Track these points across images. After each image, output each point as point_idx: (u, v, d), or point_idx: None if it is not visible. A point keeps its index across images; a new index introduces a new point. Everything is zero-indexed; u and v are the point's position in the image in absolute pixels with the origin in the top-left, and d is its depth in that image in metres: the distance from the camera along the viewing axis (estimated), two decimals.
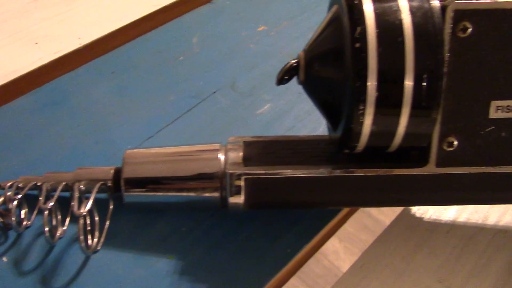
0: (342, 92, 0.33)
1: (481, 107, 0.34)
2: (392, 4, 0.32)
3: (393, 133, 0.33)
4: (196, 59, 0.56)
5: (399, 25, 0.31)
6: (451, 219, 0.44)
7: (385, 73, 0.31)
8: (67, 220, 0.39)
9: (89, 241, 0.38)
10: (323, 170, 0.36)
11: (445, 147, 0.34)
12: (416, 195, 0.37)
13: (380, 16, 0.31)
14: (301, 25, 0.61)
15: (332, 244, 0.42)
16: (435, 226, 0.43)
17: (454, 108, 0.34)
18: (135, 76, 0.53)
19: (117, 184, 0.39)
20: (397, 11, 0.32)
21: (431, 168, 0.35)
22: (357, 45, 0.31)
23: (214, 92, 0.52)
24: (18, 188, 0.39)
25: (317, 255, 0.42)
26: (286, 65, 0.36)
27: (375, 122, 0.32)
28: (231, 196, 0.36)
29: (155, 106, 0.50)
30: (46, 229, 0.37)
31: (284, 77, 0.36)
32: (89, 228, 0.38)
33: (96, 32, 0.57)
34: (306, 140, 0.40)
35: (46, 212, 0.37)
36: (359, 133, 0.33)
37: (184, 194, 0.38)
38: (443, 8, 0.32)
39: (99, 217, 0.39)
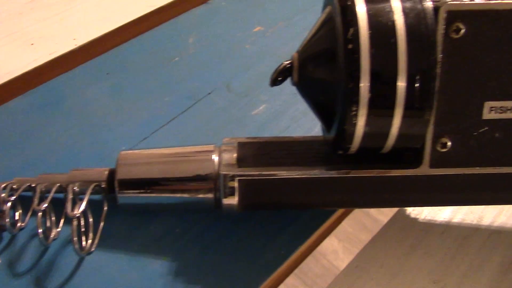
0: (335, 93, 0.33)
1: (474, 108, 0.34)
2: (385, 5, 0.32)
3: (386, 134, 0.33)
4: (191, 59, 0.56)
5: (391, 26, 0.31)
6: (446, 219, 0.44)
7: (378, 74, 0.31)
8: (61, 221, 0.39)
9: (83, 243, 0.38)
10: (317, 171, 0.36)
11: (438, 148, 0.34)
12: (410, 196, 0.37)
13: (372, 17, 0.31)
14: (297, 26, 0.61)
15: (331, 243, 0.42)
16: (430, 226, 0.43)
17: (447, 109, 0.34)
18: (130, 77, 0.53)
19: (111, 185, 0.38)
20: (390, 12, 0.32)
21: (424, 169, 0.35)
22: (350, 46, 0.31)
23: (210, 93, 0.52)
24: (12, 189, 0.39)
25: (316, 254, 0.42)
26: (279, 66, 0.36)
27: (368, 123, 0.32)
28: (225, 197, 0.36)
29: (151, 107, 0.50)
30: (40, 230, 0.37)
31: (277, 78, 0.36)
32: (83, 229, 0.38)
33: (92, 33, 0.57)
34: (301, 141, 0.40)
35: (40, 213, 0.37)
36: (352, 135, 0.33)
37: (178, 195, 0.38)
38: (436, 9, 0.32)
39: (93, 219, 0.39)
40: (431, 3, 0.32)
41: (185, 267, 0.38)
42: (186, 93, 0.52)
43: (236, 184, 0.36)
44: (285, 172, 0.36)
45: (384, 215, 0.44)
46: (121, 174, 0.38)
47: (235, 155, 0.38)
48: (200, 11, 0.63)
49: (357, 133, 0.33)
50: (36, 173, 0.41)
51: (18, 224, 0.39)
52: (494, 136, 0.34)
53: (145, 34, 0.59)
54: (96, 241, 0.38)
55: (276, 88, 0.38)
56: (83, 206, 0.37)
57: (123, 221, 0.40)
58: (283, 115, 0.50)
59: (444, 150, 0.34)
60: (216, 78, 0.54)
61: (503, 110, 0.34)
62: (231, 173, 0.36)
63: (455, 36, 0.32)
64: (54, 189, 0.39)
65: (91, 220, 0.39)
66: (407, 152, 0.36)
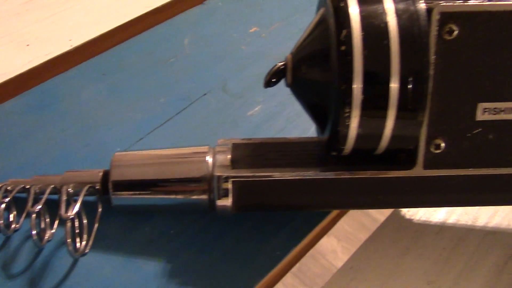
0: (329, 95, 0.33)
1: (468, 109, 0.34)
2: (378, 7, 0.32)
3: (379, 136, 0.33)
4: (187, 60, 0.56)
5: (384, 28, 0.31)
6: (441, 220, 0.44)
7: (371, 76, 0.31)
8: (56, 223, 0.39)
9: (77, 244, 0.38)
10: (311, 173, 0.36)
11: (432, 149, 0.34)
12: (405, 197, 0.37)
13: (365, 19, 0.31)
14: (293, 26, 0.61)
15: (330, 243, 0.42)
16: (425, 227, 0.43)
17: (441, 110, 0.34)
18: (125, 78, 0.53)
19: (106, 187, 0.39)
20: (383, 13, 0.32)
21: (418, 171, 0.35)
22: (343, 48, 0.31)
23: (205, 94, 0.52)
24: (6, 191, 0.39)
25: (315, 254, 0.42)
26: (273, 67, 0.36)
27: (361, 124, 0.32)
28: (219, 199, 0.36)
29: (146, 108, 0.50)
30: (34, 232, 0.37)
31: (271, 79, 0.36)
32: (77, 231, 0.38)
33: (88, 34, 0.57)
34: (295, 142, 0.40)
35: (34, 215, 0.37)
36: (345, 136, 0.33)
37: (172, 196, 0.38)
38: (429, 11, 0.32)
39: (88, 220, 0.39)
40: (424, 4, 0.32)
41: (179, 269, 0.38)
42: (181, 94, 0.52)
43: (230, 186, 0.36)
44: (279, 173, 0.36)
45: (383, 214, 0.44)
46: (115, 176, 0.38)
47: (229, 156, 0.38)
48: (196, 12, 0.63)
49: (351, 135, 0.33)
50: (31, 175, 0.41)
51: (13, 226, 0.39)
52: (487, 137, 0.34)
53: (141, 35, 0.59)
54: (90, 242, 0.38)
55: (271, 89, 0.38)
56: (76, 207, 0.37)
57: (118, 222, 0.40)
58: (278, 116, 0.50)
59: (437, 151, 0.34)
60: (212, 79, 0.54)
61: (497, 111, 0.34)
62: (225, 174, 0.36)
63: (448, 37, 0.32)
64: (48, 191, 0.39)
65: (85, 221, 0.39)
66: (401, 154, 0.36)
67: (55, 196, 0.39)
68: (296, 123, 0.49)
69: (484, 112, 0.34)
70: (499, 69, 0.33)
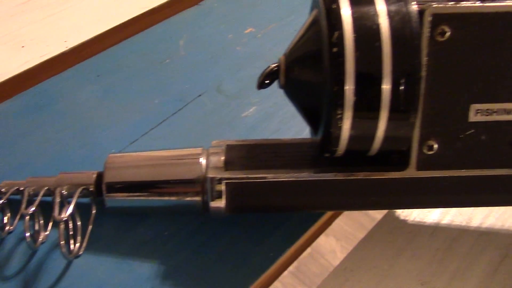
0: (321, 97, 0.33)
1: (460, 110, 0.34)
2: (370, 8, 0.32)
3: (372, 137, 0.33)
4: (182, 61, 0.56)
5: (376, 29, 0.31)
6: (435, 221, 0.44)
7: (363, 77, 0.31)
8: (50, 225, 0.39)
9: (71, 246, 0.38)
10: (304, 174, 0.36)
11: (425, 151, 0.34)
12: (398, 198, 0.37)
13: (357, 21, 0.31)
14: (289, 27, 0.61)
15: (329, 243, 0.42)
16: (419, 228, 0.43)
17: (433, 112, 0.34)
18: (120, 79, 0.53)
19: (99, 188, 0.39)
20: (375, 15, 0.32)
21: (411, 172, 0.35)
22: (335, 49, 0.31)
23: (200, 95, 0.52)
24: (0, 193, 0.39)
25: (314, 254, 0.42)
26: (266, 69, 0.36)
27: (353, 126, 0.32)
28: (212, 200, 0.36)
29: (140, 109, 0.50)
30: (27, 234, 0.37)
31: (264, 81, 0.36)
32: (71, 232, 0.38)
33: (83, 35, 0.57)
34: (289, 144, 0.40)
35: (27, 217, 0.37)
36: (338, 138, 0.33)
37: (166, 198, 0.38)
38: (421, 12, 0.32)
39: (82, 222, 0.39)
40: (416, 6, 0.32)
41: (173, 270, 0.38)
42: (176, 95, 0.52)
43: (223, 188, 0.36)
44: (272, 175, 0.36)
45: (381, 214, 0.44)
46: (108, 178, 0.38)
47: (222, 158, 0.38)
48: (191, 13, 0.63)
49: (343, 136, 0.33)
50: (27, 176, 0.41)
51: (7, 228, 0.39)
52: (480, 138, 0.34)
53: (136, 36, 0.59)
54: (84, 244, 0.38)
55: (266, 90, 0.38)
56: (70, 209, 0.37)
57: (112, 224, 0.40)
58: (273, 117, 0.50)
59: (430, 152, 0.34)
60: (207, 80, 0.54)
61: (489, 112, 0.34)
62: (218, 176, 0.36)
63: (440, 39, 0.32)
64: (42, 193, 0.39)
65: (79, 223, 0.39)
66: (394, 155, 0.36)
67: (49, 198, 0.39)
68: (291, 124, 0.49)
69: (477, 113, 0.34)
70: (491, 70, 0.33)
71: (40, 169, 0.44)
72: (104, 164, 0.39)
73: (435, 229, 0.43)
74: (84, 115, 0.49)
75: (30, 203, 0.38)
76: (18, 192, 0.40)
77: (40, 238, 0.38)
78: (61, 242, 0.36)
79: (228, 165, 0.37)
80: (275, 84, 0.37)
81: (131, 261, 0.38)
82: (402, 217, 0.44)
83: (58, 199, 0.38)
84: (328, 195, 0.37)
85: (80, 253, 0.38)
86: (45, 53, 0.55)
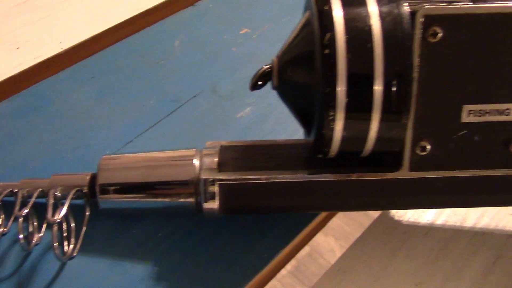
0: (314, 98, 0.33)
1: (453, 111, 0.34)
2: (362, 10, 0.32)
3: (364, 139, 0.33)
4: (177, 62, 0.56)
5: (368, 31, 0.31)
6: (429, 221, 0.44)
7: (355, 79, 0.31)
8: (44, 226, 0.39)
9: (65, 248, 0.38)
10: (297, 175, 0.36)
11: (418, 152, 0.34)
12: (391, 199, 0.38)
13: (349, 22, 0.31)
14: (284, 28, 0.61)
15: (328, 242, 0.42)
16: (413, 228, 0.43)
17: (426, 113, 0.34)
18: (115, 80, 0.53)
19: (93, 190, 0.39)
20: (367, 17, 0.32)
21: (404, 173, 0.35)
22: (326, 51, 0.31)
23: (195, 96, 0.52)
24: None
25: (313, 253, 0.42)
26: (259, 70, 0.36)
27: (346, 127, 0.32)
28: (206, 201, 0.37)
29: (135, 111, 0.50)
30: (21, 236, 0.37)
31: (257, 82, 0.36)
32: (65, 234, 0.38)
33: (78, 36, 0.57)
34: (283, 145, 0.40)
35: (21, 219, 0.37)
36: (330, 139, 0.33)
37: (160, 200, 0.38)
38: (413, 14, 0.32)
39: (76, 223, 0.39)
40: (408, 7, 0.32)
41: (167, 271, 0.38)
42: (171, 96, 0.52)
43: (216, 189, 0.36)
44: (265, 176, 0.36)
45: (377, 214, 0.44)
46: (102, 179, 0.38)
47: (216, 159, 0.38)
48: (186, 14, 0.63)
49: (335, 138, 0.33)
50: (21, 178, 0.41)
51: (0, 230, 0.39)
52: (473, 139, 0.34)
53: (131, 37, 0.59)
54: (78, 246, 0.38)
55: (261, 91, 0.38)
56: (63, 211, 0.37)
57: (106, 225, 0.40)
58: (268, 117, 0.50)
59: (423, 153, 0.34)
60: (202, 81, 0.54)
61: (482, 113, 0.34)
62: (211, 177, 0.36)
63: (432, 40, 0.32)
64: (35, 195, 0.39)
65: (73, 225, 0.39)
66: (387, 156, 0.36)
67: (44, 200, 0.39)
68: (286, 125, 0.49)
69: (469, 114, 0.34)
70: (484, 71, 0.33)
71: (35, 171, 0.44)
72: (98, 165, 0.39)
73: (430, 230, 0.43)
74: (79, 117, 0.49)
75: (24, 205, 0.38)
76: (12, 194, 0.40)
77: (34, 240, 0.38)
78: (54, 244, 0.36)
79: (221, 166, 0.37)
80: (270, 85, 0.37)
81: (125, 263, 0.38)
82: (396, 218, 0.44)
83: (51, 201, 0.38)
84: (322, 196, 0.37)
85: (74, 254, 0.38)
86: (40, 54, 0.55)
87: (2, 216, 0.39)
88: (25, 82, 0.53)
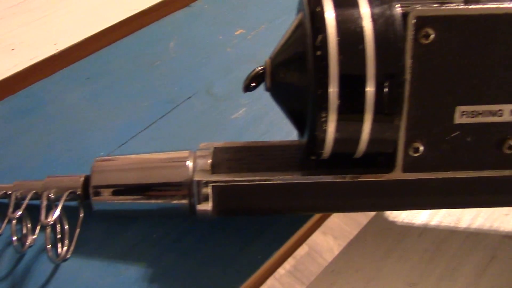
0: (306, 100, 0.33)
1: (446, 112, 0.34)
2: (354, 11, 0.32)
3: (357, 140, 0.33)
4: (172, 64, 0.56)
5: (360, 32, 0.31)
6: (423, 222, 0.44)
7: (347, 80, 0.31)
8: (37, 228, 0.39)
9: (59, 250, 0.38)
10: (291, 177, 0.36)
11: (411, 153, 0.34)
12: (384, 200, 0.38)
13: (341, 24, 0.31)
14: (279, 29, 0.60)
15: (327, 241, 0.42)
16: (408, 229, 0.43)
17: (419, 114, 0.34)
18: (110, 82, 0.53)
19: (87, 192, 0.39)
20: (359, 18, 0.32)
21: (397, 174, 0.35)
22: (318, 53, 0.31)
23: (190, 97, 0.52)
24: None
25: (312, 252, 0.42)
26: (252, 72, 0.36)
27: (338, 129, 0.32)
28: (199, 203, 0.37)
29: (129, 112, 0.50)
30: (14, 238, 0.37)
31: (250, 84, 0.36)
32: (59, 236, 0.38)
33: (73, 38, 0.57)
34: (277, 146, 0.40)
35: (14, 221, 0.37)
36: (323, 140, 0.33)
37: (153, 201, 0.38)
38: (405, 15, 0.32)
39: (70, 225, 0.39)
40: (400, 9, 0.32)
41: (161, 273, 0.38)
42: (166, 97, 0.52)
43: (209, 191, 0.36)
44: (259, 178, 0.36)
45: (374, 213, 0.44)
46: (95, 181, 0.38)
47: (209, 161, 0.38)
48: (181, 15, 0.63)
49: (328, 139, 0.33)
50: (15, 180, 0.41)
51: None
52: (466, 140, 0.34)
53: (126, 38, 0.59)
54: (72, 248, 0.38)
55: (256, 92, 0.38)
56: (56, 213, 0.37)
57: (99, 227, 0.40)
58: (263, 118, 0.50)
59: (416, 154, 0.34)
60: (197, 82, 0.54)
61: (475, 114, 0.34)
62: (204, 179, 0.36)
63: (424, 41, 0.32)
64: (29, 196, 0.39)
65: (67, 227, 0.39)
66: (381, 157, 0.36)
67: (38, 202, 0.39)
68: (280, 126, 0.49)
69: (462, 115, 0.34)
70: (476, 72, 0.33)
71: (27, 173, 0.44)
72: (91, 167, 0.39)
73: (424, 230, 0.43)
74: (73, 118, 0.49)
75: (17, 207, 0.38)
76: (6, 196, 0.40)
77: (28, 242, 0.38)
78: (48, 246, 0.36)
79: (215, 168, 0.37)
80: (263, 86, 0.37)
81: (119, 265, 0.38)
82: (391, 219, 0.44)
83: (45, 203, 0.38)
84: (315, 197, 0.37)
85: (68, 256, 0.38)
86: (35, 55, 0.55)
87: None
88: (19, 84, 0.53)
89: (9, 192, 0.39)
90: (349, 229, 0.42)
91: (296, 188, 0.37)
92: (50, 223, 0.36)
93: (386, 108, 0.32)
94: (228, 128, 0.49)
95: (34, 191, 0.39)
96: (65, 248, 0.38)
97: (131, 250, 0.39)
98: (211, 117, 0.50)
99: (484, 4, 0.33)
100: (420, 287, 0.40)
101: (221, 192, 0.36)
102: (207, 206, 0.37)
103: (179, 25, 0.61)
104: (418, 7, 0.32)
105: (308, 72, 0.32)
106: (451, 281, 0.40)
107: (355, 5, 0.32)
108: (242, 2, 0.65)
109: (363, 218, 0.44)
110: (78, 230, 0.39)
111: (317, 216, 0.43)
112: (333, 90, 0.31)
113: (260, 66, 0.36)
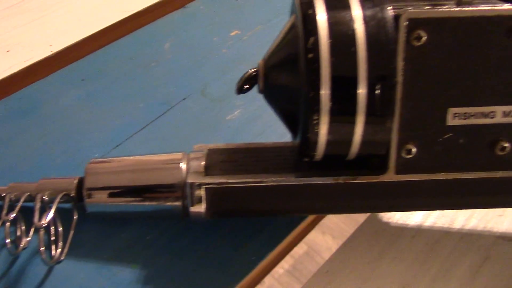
0: (299, 102, 0.33)
1: (438, 114, 0.34)
2: (346, 14, 0.32)
3: (349, 142, 0.33)
4: (167, 65, 0.56)
5: (352, 35, 0.31)
6: (417, 223, 0.44)
7: (338, 83, 0.31)
8: (31, 230, 0.39)
9: (53, 252, 0.38)
10: (284, 179, 0.36)
11: (404, 155, 0.35)
12: (377, 202, 0.38)
13: (333, 26, 0.31)
14: (275, 29, 0.60)
15: (325, 240, 0.43)
16: (402, 230, 0.44)
17: (411, 116, 0.34)
18: (105, 83, 0.53)
19: (80, 194, 0.39)
20: (351, 20, 0.32)
21: (390, 176, 0.35)
22: (310, 55, 0.31)
23: (185, 98, 0.52)
24: None
25: (310, 252, 0.42)
26: (245, 74, 0.36)
27: (330, 131, 0.32)
28: (192, 205, 0.37)
29: (124, 113, 0.50)
30: (8, 240, 0.37)
31: (243, 86, 0.36)
32: (53, 238, 0.38)
33: (68, 39, 0.57)
34: (270, 148, 0.40)
35: (8, 223, 0.37)
36: (315, 143, 0.33)
37: (147, 203, 0.38)
38: (397, 17, 0.32)
39: (64, 227, 0.39)
40: (392, 11, 0.32)
41: (155, 275, 0.38)
42: (161, 99, 0.52)
43: (202, 193, 0.36)
44: (252, 180, 0.36)
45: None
46: (89, 183, 0.38)
47: (203, 163, 0.38)
48: (177, 16, 0.63)
49: (320, 141, 0.33)
50: (9, 182, 0.41)
51: None
52: (458, 142, 0.34)
53: (122, 39, 0.59)
54: (65, 250, 0.38)
55: (251, 93, 0.38)
56: (49, 216, 0.37)
57: (93, 229, 0.40)
58: (257, 120, 0.50)
59: (409, 156, 0.35)
60: (192, 83, 0.54)
61: (467, 116, 0.34)
62: (198, 181, 0.36)
63: (416, 43, 0.32)
64: (22, 199, 0.39)
65: (60, 229, 0.39)
66: (374, 159, 0.36)
67: (32, 204, 0.39)
68: (275, 127, 0.49)
69: (455, 117, 0.34)
70: (468, 74, 0.33)
71: (22, 176, 0.43)
72: (85, 169, 0.39)
73: (417, 231, 0.43)
74: (68, 120, 0.49)
75: (11, 209, 0.38)
76: (0, 198, 0.39)
77: (22, 244, 0.38)
78: (41, 249, 0.36)
79: (208, 170, 0.37)
80: (256, 88, 0.37)
81: (113, 266, 0.38)
82: (384, 220, 0.44)
83: (38, 205, 0.38)
84: (308, 199, 0.38)
85: (62, 258, 0.38)
86: (30, 57, 0.55)
87: None
88: (14, 85, 0.53)
89: (3, 194, 0.40)
90: (348, 229, 0.42)
91: (289, 190, 0.37)
92: (44, 225, 0.36)
93: (378, 110, 0.32)
94: (223, 129, 0.49)
95: (28, 193, 0.39)
96: (59, 250, 0.38)
97: (125, 252, 0.39)
98: (206, 118, 0.50)
99: (476, 6, 0.33)
100: None
101: (214, 194, 0.36)
102: (200, 208, 0.37)
103: (174, 27, 0.61)
104: (410, 9, 0.32)
105: (300, 74, 0.32)
106: (445, 282, 0.40)
107: (347, 7, 0.32)
108: (237, 3, 0.65)
109: (362, 217, 0.44)
110: (72, 232, 0.39)
111: (310, 217, 0.43)
112: (325, 92, 0.31)
113: (253, 68, 0.36)
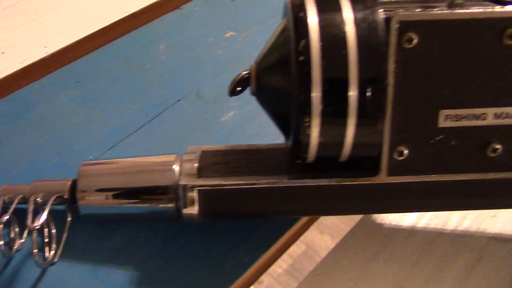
0: (290, 104, 0.33)
1: (430, 116, 0.34)
2: (337, 16, 0.32)
3: (341, 144, 0.33)
4: (162, 66, 0.56)
5: (343, 37, 0.31)
6: (411, 224, 0.44)
7: (329, 85, 0.31)
8: (25, 232, 0.39)
9: (46, 254, 0.38)
10: (277, 181, 0.36)
11: (395, 157, 0.35)
12: (370, 203, 0.38)
13: (324, 29, 0.32)
14: (270, 31, 0.60)
15: (324, 240, 0.43)
16: (395, 231, 0.44)
17: (403, 118, 0.34)
18: (99, 85, 0.53)
19: (74, 196, 0.39)
20: (342, 23, 0.32)
21: (382, 177, 0.35)
22: (301, 58, 0.31)
23: (179, 100, 0.52)
24: None
25: (309, 251, 0.42)
26: (237, 76, 0.36)
27: (322, 133, 0.33)
28: (185, 207, 0.37)
29: (119, 115, 0.50)
30: (1, 242, 0.37)
31: (236, 88, 0.37)
32: (46, 240, 0.38)
33: (63, 40, 0.57)
34: (263, 149, 0.40)
35: (1, 225, 0.37)
36: (307, 145, 0.33)
37: (140, 205, 0.38)
38: (388, 20, 0.32)
39: (57, 229, 0.39)
40: (383, 13, 0.32)
41: (148, 277, 0.38)
42: (155, 100, 0.52)
43: (195, 195, 0.36)
44: (244, 181, 0.36)
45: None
46: (82, 185, 0.38)
47: (196, 164, 0.38)
48: (172, 17, 0.63)
49: (312, 144, 0.33)
50: (2, 184, 0.41)
51: None
52: (450, 143, 0.35)
53: (116, 41, 0.59)
54: (59, 252, 0.38)
55: (245, 94, 0.38)
56: (43, 218, 0.37)
57: (87, 231, 0.40)
58: (252, 121, 0.50)
59: (401, 158, 0.35)
60: (186, 85, 0.54)
61: (458, 118, 0.34)
62: (190, 183, 0.36)
63: (407, 46, 0.32)
64: (16, 201, 0.39)
65: (54, 231, 0.39)
66: (366, 161, 0.36)
67: (26, 206, 0.39)
68: (269, 129, 0.49)
69: (446, 119, 0.34)
70: (459, 76, 0.33)
71: (15, 178, 0.44)
72: (78, 172, 0.39)
73: (411, 233, 0.44)
74: (62, 122, 0.49)
75: (5, 211, 0.38)
76: None
77: (15, 246, 0.38)
78: (34, 251, 0.36)
79: (201, 171, 0.38)
80: (249, 90, 0.37)
81: (106, 268, 0.38)
82: (378, 221, 0.44)
83: (31, 207, 0.38)
84: (301, 201, 0.38)
85: (55, 260, 0.38)
86: (25, 59, 0.55)
87: None
88: (8, 87, 0.53)
89: None
90: (346, 228, 0.42)
91: (282, 192, 0.37)
92: (37, 227, 0.36)
93: (370, 113, 0.32)
94: (217, 131, 0.49)
95: (21, 195, 0.39)
96: (52, 252, 0.38)
97: (118, 254, 0.39)
98: (200, 120, 0.50)
99: (467, 9, 0.33)
100: None
101: (207, 196, 0.36)
102: (193, 210, 0.37)
103: (169, 28, 0.61)
104: (401, 11, 0.32)
105: (291, 77, 0.32)
106: (439, 283, 0.41)
107: (338, 10, 0.32)
108: (232, 4, 0.65)
109: (361, 217, 0.44)
110: (65, 234, 0.39)
111: (303, 219, 0.43)
112: (316, 95, 0.31)
113: (246, 70, 0.36)
